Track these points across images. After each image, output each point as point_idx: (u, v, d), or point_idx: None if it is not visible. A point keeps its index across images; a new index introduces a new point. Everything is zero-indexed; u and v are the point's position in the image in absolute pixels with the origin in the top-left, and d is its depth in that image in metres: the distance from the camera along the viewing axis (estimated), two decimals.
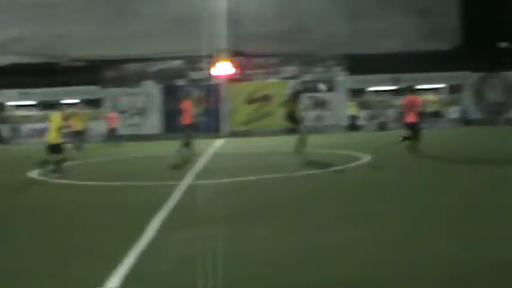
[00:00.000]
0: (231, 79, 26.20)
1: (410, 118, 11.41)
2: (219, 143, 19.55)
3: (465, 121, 25.39)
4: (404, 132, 11.76)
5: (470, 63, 25.84)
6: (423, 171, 8.77)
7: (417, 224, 4.71)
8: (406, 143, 11.47)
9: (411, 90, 13.09)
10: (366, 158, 10.91)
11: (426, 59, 25.25)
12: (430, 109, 24.56)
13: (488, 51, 26.13)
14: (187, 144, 13.33)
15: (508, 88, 26.53)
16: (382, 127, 25.08)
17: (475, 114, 25.88)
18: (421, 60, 25.15)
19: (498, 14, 26.52)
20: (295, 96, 12.27)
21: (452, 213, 5.13)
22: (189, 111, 13.66)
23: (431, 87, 26.24)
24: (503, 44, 27.43)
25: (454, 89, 26.62)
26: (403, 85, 25.36)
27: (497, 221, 4.65)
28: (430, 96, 25.90)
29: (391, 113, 25.13)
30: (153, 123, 26.14)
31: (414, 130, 11.35)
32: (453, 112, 26.04)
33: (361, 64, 24.83)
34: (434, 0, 27.51)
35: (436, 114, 25.14)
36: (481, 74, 26.41)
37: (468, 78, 26.30)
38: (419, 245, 4.00)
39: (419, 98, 12.52)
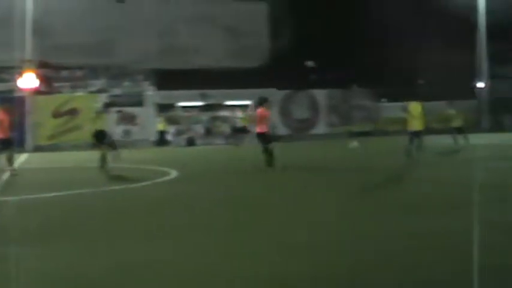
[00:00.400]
0: (37, 91, 31.66)
1: (262, 129, 14.86)
2: (23, 157, 22.18)
3: (274, 138, 33.86)
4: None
5: (277, 81, 34.52)
6: (228, 186, 11.55)
7: (211, 237, 6.15)
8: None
9: (261, 103, 16.20)
10: (173, 173, 13.76)
11: (234, 76, 33.40)
12: (238, 125, 32.66)
13: (294, 70, 35.21)
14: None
15: (313, 105, 35.73)
16: (191, 142, 32.56)
17: (281, 130, 34.54)
18: (230, 77, 33.22)
19: (304, 34, 35.89)
20: (102, 111, 16.41)
21: (246, 227, 6.83)
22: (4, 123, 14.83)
23: (239, 103, 34.48)
24: (309, 63, 36.86)
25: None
26: (211, 101, 33.43)
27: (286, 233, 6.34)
28: (238, 113, 34.10)
29: (199, 129, 32.81)
30: None
31: (266, 140, 14.76)
32: None
33: (170, 79, 32.21)
34: (244, 19, 36.20)
35: (244, 130, 33.19)
36: (287, 91, 35.26)
37: (275, 95, 34.96)
38: (198, 258, 5.17)
39: (269, 111, 15.72)
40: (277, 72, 34.42)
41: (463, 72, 37.30)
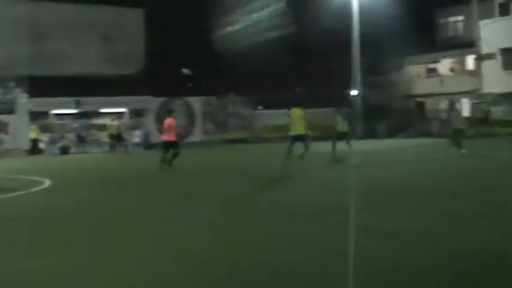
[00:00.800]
0: None
1: (169, 137, 21.07)
2: None
3: (147, 145, 43.09)
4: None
5: (153, 88, 43.82)
6: (102, 194, 14.85)
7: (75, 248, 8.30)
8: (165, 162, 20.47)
9: (169, 113, 23.09)
10: (46, 183, 16.59)
11: (110, 83, 42.25)
12: (112, 133, 41.39)
13: (170, 77, 44.82)
14: None
15: (189, 113, 45.42)
16: (65, 151, 40.98)
17: (156, 138, 43.90)
18: (105, 84, 42.01)
19: (181, 42, 45.60)
20: None
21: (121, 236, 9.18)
22: None
23: (114, 111, 43.43)
24: (185, 71, 46.70)
25: (136, 113, 44.33)
26: (86, 108, 42.16)
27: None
28: (113, 121, 42.99)
29: (73, 137, 41.39)
30: None
31: (174, 148, 21.02)
32: (136, 136, 43.61)
33: (43, 86, 40.30)
34: (119, 26, 45.41)
35: (119, 138, 41.96)
36: (163, 99, 44.65)
37: (150, 102, 44.31)
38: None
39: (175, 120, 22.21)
40: (153, 79, 43.79)
41: (339, 80, 48.41)
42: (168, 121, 22.06)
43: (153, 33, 45.85)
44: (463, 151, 25.28)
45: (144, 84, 43.17)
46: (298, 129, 20.50)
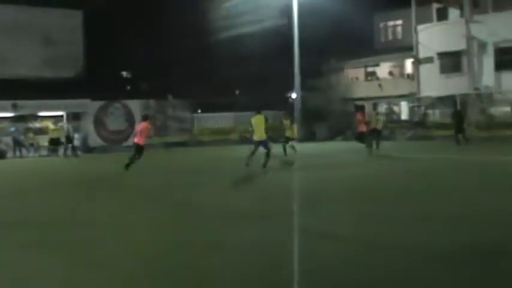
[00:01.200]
0: None
1: (140, 140, 22.94)
2: None
3: (85, 148, 42.99)
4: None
5: (92, 91, 43.75)
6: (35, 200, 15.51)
7: None
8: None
9: (145, 118, 25.21)
10: None
11: (48, 86, 42.13)
12: (51, 136, 41.26)
13: (109, 80, 44.82)
14: None
15: (128, 116, 45.43)
16: (1, 155, 40.66)
17: (95, 141, 43.85)
18: (43, 87, 41.90)
19: (120, 45, 45.69)
20: None
21: None
22: None
23: (52, 114, 43.22)
24: (124, 73, 46.75)
25: (75, 117, 44.18)
26: (23, 112, 41.87)
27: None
28: (51, 124, 42.85)
29: (9, 141, 41.04)
30: None
31: (140, 150, 22.83)
32: (75, 139, 43.44)
33: None
34: (59, 28, 45.26)
35: (57, 142, 41.82)
36: (101, 102, 44.60)
37: (89, 106, 44.21)
38: None
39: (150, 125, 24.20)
40: (92, 82, 43.74)
41: (279, 83, 49.08)
42: (142, 125, 23.92)
43: (92, 36, 45.79)
44: (371, 151, 28.24)
45: (82, 87, 43.08)
46: (260, 134, 21.75)
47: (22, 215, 13.13)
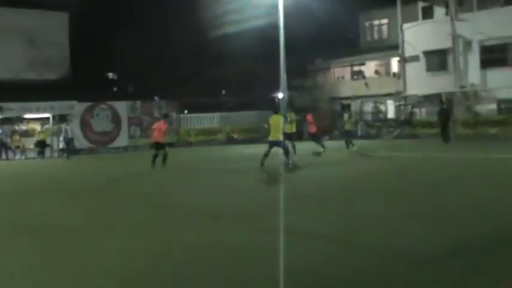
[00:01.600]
0: None
1: (159, 138, 24.47)
2: None
3: (71, 151, 43.05)
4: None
5: (78, 93, 43.83)
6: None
7: None
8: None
9: (166, 116, 28.45)
10: None
11: (34, 88, 42.19)
12: (38, 138, 41.30)
13: (95, 81, 44.91)
14: None
15: (114, 117, 45.56)
16: None
17: (81, 143, 43.92)
18: (29, 89, 41.95)
19: (106, 46, 45.82)
20: None
21: None
22: None
23: (39, 116, 43.27)
24: (111, 75, 46.87)
25: (61, 118, 44.24)
26: (8, 114, 41.90)
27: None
28: (37, 126, 42.89)
29: None
30: None
31: (162, 148, 24.27)
32: (60, 142, 43.50)
33: None
34: (44, 30, 45.33)
35: (43, 144, 41.83)
36: (88, 103, 44.70)
37: (75, 107, 44.29)
38: None
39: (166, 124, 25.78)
40: (78, 84, 43.85)
41: (266, 84, 49.31)
42: (159, 124, 25.29)
43: (78, 37, 45.89)
44: (351, 149, 29.26)
45: (69, 88, 43.15)
46: (275, 135, 21.93)
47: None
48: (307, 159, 25.83)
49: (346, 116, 33.70)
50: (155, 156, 24.31)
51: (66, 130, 39.47)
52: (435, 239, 8.76)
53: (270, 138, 22.06)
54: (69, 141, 38.99)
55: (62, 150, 39.18)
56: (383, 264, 7.49)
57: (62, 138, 41.47)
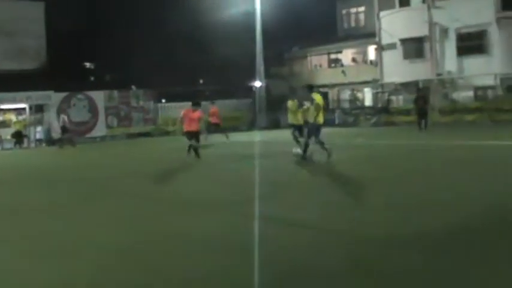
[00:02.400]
0: None
1: (193, 127, 21.73)
2: None
3: (49, 141, 43.04)
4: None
5: (55, 83, 43.74)
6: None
7: None
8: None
9: (197, 104, 23.93)
10: None
11: (10, 78, 42.06)
12: (14, 129, 41.28)
13: (73, 71, 44.86)
14: None
15: (91, 107, 45.55)
16: None
17: (58, 133, 43.87)
18: (5, 79, 41.81)
19: (83, 35, 45.72)
20: None
21: None
22: None
23: (15, 106, 43.17)
24: (88, 64, 46.81)
25: (38, 109, 44.17)
26: None
27: None
28: (13, 116, 42.80)
29: None
30: None
31: (196, 138, 22.09)
32: (38, 132, 43.47)
33: None
34: (20, 19, 45.11)
35: (19, 135, 41.80)
36: (64, 93, 44.64)
37: (52, 97, 44.21)
38: None
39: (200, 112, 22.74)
40: (55, 73, 43.77)
41: (243, 72, 49.51)
42: (190, 111, 22.60)
43: (55, 27, 45.76)
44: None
45: (45, 78, 43.06)
46: (297, 118, 22.58)
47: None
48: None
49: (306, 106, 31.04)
50: (190, 147, 22.30)
51: (63, 119, 39.36)
52: (405, 227, 8.99)
53: (290, 121, 23.26)
54: (64, 130, 38.71)
55: (40, 140, 39.18)
56: (353, 250, 7.76)
57: (39, 128, 41.62)
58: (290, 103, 23.06)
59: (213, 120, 33.80)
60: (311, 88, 20.67)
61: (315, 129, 19.32)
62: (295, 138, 22.70)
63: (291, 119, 23.16)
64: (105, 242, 9.02)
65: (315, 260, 7.34)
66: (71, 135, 39.45)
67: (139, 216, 11.15)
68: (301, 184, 14.85)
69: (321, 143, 19.47)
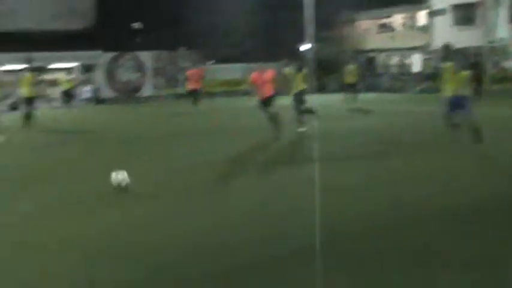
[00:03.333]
0: None
1: (267, 92, 18.75)
2: None
3: (97, 100, 43.74)
4: None
5: (103, 43, 44.27)
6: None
7: None
8: None
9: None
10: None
11: (59, 38, 42.64)
12: (63, 88, 41.97)
13: (121, 31, 45.26)
14: None
15: (140, 67, 46.06)
16: (15, 107, 41.37)
17: (106, 93, 44.52)
18: (54, 39, 42.39)
19: None
20: None
21: None
22: None
23: (64, 66, 43.87)
24: (136, 25, 47.11)
25: (86, 68, 44.81)
26: (36, 64, 42.47)
27: None
28: (63, 75, 43.50)
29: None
30: None
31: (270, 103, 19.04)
32: (86, 91, 44.16)
33: None
34: None
35: (69, 94, 42.52)
36: (113, 53, 45.16)
37: (100, 57, 44.78)
38: None
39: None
40: (103, 33, 44.24)
41: (290, 34, 49.25)
42: (269, 74, 19.42)
43: None
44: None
45: (94, 38, 43.54)
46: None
47: None
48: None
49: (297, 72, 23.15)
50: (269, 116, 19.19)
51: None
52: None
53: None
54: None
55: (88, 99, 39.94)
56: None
57: (87, 88, 42.35)
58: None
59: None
60: None
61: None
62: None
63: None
64: None
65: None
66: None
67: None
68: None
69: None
